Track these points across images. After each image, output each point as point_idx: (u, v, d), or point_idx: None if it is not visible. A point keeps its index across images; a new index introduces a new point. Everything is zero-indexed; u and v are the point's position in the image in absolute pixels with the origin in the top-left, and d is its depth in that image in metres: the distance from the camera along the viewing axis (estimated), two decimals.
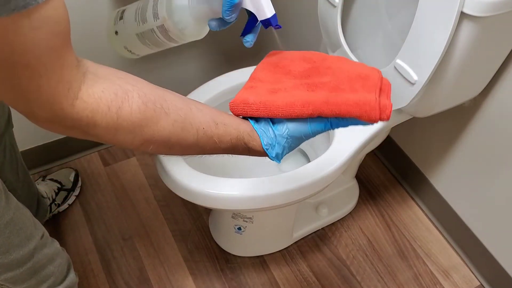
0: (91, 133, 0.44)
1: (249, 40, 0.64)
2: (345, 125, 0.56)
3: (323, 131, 0.56)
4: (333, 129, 0.56)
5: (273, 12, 0.61)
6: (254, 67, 1.17)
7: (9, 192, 0.65)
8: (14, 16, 0.34)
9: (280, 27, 0.62)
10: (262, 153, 0.58)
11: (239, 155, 0.63)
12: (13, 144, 1.03)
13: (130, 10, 0.69)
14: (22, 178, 1.07)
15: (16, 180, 1.04)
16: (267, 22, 0.61)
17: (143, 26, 0.67)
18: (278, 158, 0.57)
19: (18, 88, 0.40)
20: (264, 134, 0.56)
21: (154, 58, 1.36)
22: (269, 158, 0.58)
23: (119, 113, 0.44)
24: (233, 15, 0.62)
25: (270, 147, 0.56)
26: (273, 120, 0.57)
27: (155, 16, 0.65)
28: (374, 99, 0.54)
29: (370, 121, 0.54)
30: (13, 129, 1.03)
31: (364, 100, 0.54)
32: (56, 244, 0.80)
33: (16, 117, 1.03)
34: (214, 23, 0.66)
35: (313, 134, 0.56)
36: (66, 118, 0.42)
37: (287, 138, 0.56)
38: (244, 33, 0.65)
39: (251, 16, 0.64)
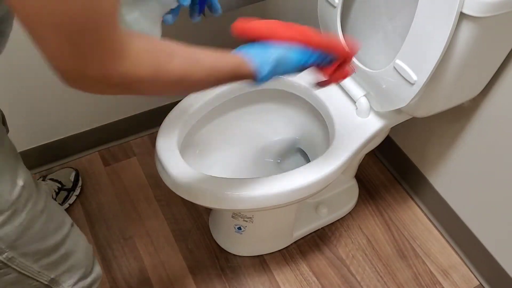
0: (134, 88, 0.50)
1: (218, 8, 0.72)
2: (322, 59, 0.67)
3: (304, 63, 0.66)
4: (310, 63, 0.66)
5: None
6: None
7: (37, 180, 0.65)
8: None
9: None
10: (252, 74, 0.64)
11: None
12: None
13: None
14: None
15: None
16: None
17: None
18: (266, 78, 0.64)
19: (80, 46, 0.43)
20: (258, 55, 0.63)
21: None
22: (258, 78, 0.64)
23: (161, 69, 0.50)
24: None
25: (260, 67, 0.63)
26: (265, 45, 0.65)
27: None
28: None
29: (342, 54, 0.67)
30: (13, 129, 1.03)
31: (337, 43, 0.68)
32: (81, 233, 0.81)
33: (16, 117, 1.04)
34: (169, 17, 0.69)
35: (297, 62, 0.65)
36: (113, 76, 0.46)
37: (277, 60, 0.63)
38: (201, 10, 0.72)
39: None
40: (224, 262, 1.29)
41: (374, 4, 1.04)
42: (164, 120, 1.04)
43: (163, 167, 0.97)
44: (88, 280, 0.80)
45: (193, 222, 1.37)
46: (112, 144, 1.53)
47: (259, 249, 1.30)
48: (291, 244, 1.32)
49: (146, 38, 0.50)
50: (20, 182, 0.61)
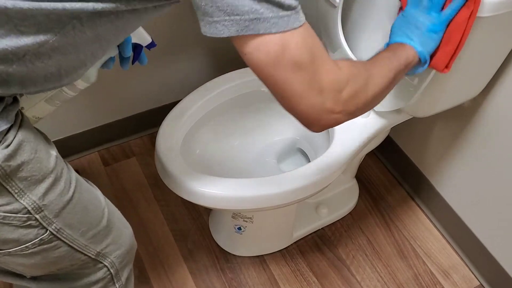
0: (354, 110, 0.63)
1: (145, 60, 0.83)
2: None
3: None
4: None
5: (150, 38, 0.81)
6: None
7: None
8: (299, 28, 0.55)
9: (156, 45, 0.82)
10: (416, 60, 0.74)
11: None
12: None
13: None
14: None
15: None
16: (149, 45, 0.81)
17: (52, 91, 0.74)
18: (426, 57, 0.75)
19: (317, 83, 0.57)
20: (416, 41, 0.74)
21: (154, 60, 1.36)
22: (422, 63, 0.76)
23: (369, 89, 0.64)
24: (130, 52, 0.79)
25: (421, 53, 0.74)
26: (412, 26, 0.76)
27: None
28: None
29: None
30: None
31: None
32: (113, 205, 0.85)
33: None
34: (111, 63, 0.78)
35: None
36: (341, 102, 0.60)
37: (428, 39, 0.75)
38: (134, 61, 0.83)
39: (137, 48, 0.81)
40: (224, 262, 1.29)
41: (375, 4, 1.04)
42: (164, 120, 1.04)
43: (163, 167, 0.97)
44: (131, 251, 0.84)
45: (193, 222, 1.36)
46: (112, 144, 1.53)
47: (259, 249, 1.30)
48: (291, 244, 1.32)
49: (350, 64, 0.63)
50: (54, 152, 0.65)
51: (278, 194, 0.95)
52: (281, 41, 0.54)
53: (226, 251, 1.30)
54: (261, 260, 1.30)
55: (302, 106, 0.59)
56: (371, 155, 1.53)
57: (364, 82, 0.63)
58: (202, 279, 1.26)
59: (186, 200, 0.97)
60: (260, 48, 0.54)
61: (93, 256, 0.74)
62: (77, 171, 1.45)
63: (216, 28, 0.54)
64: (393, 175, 1.49)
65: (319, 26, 1.14)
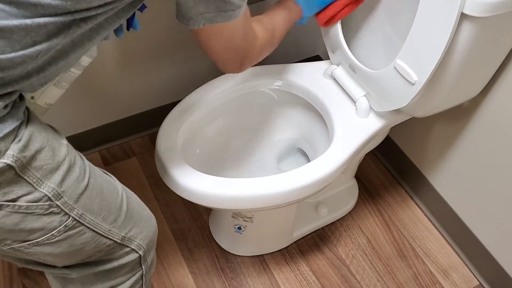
0: (263, 52, 0.89)
1: (137, 25, 0.86)
2: None
3: None
4: None
5: None
6: (255, 66, 1.17)
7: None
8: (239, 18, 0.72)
9: (146, 6, 0.81)
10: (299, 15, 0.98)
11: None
12: None
13: None
14: None
15: None
16: (141, 7, 0.80)
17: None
18: (308, 14, 1.00)
19: (242, 48, 0.81)
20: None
21: (154, 60, 1.36)
22: (303, 16, 0.99)
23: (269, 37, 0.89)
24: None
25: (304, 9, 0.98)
26: None
27: None
28: None
29: None
30: None
31: None
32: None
33: None
34: (120, 33, 0.84)
35: None
36: (256, 49, 0.85)
37: None
38: (129, 27, 0.85)
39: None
40: (224, 262, 1.29)
41: (375, 4, 1.04)
42: (164, 120, 1.04)
43: (163, 167, 0.97)
44: (154, 233, 0.85)
45: (193, 222, 1.37)
46: (112, 144, 1.53)
47: (259, 249, 1.30)
48: (291, 244, 1.33)
49: (259, 22, 0.87)
50: (64, 141, 0.68)
51: (278, 194, 0.95)
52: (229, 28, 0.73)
53: (226, 250, 1.30)
54: (261, 259, 1.30)
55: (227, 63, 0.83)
56: (371, 155, 1.53)
57: (271, 42, 0.90)
58: (202, 278, 1.26)
59: (186, 200, 0.97)
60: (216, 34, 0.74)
61: (118, 241, 0.76)
62: None
63: (195, 20, 0.70)
64: (392, 175, 1.50)
65: (319, 26, 1.14)
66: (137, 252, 0.81)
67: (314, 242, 1.34)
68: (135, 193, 0.78)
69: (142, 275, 0.85)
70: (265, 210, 1.10)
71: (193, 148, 1.10)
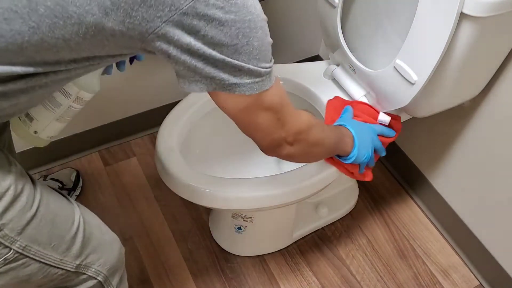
0: (303, 142, 0.76)
1: (141, 55, 0.83)
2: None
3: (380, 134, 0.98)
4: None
5: None
6: None
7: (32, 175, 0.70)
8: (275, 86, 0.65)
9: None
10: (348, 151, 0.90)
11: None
12: (10, 144, 1.04)
13: (35, 110, 0.76)
14: None
15: None
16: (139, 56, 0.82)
17: (60, 109, 0.76)
18: (351, 160, 0.91)
19: (283, 125, 0.69)
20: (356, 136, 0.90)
21: (154, 60, 1.36)
22: (347, 158, 0.91)
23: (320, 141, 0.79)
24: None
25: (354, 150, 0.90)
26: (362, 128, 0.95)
27: (67, 95, 0.75)
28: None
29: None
30: None
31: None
32: (92, 213, 0.83)
33: None
34: (110, 69, 0.81)
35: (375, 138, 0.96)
36: (300, 133, 0.73)
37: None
38: (132, 61, 0.84)
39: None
40: (224, 262, 1.29)
41: (374, 4, 1.04)
42: (164, 120, 1.04)
43: (163, 167, 0.97)
44: (118, 257, 0.83)
45: (193, 222, 1.37)
46: (112, 144, 1.53)
47: (259, 249, 1.30)
48: (291, 244, 1.33)
49: (309, 115, 0.76)
50: (13, 169, 0.64)
51: (278, 194, 0.95)
52: (255, 100, 0.63)
53: (226, 251, 1.30)
54: (261, 259, 1.30)
55: (267, 139, 0.72)
56: None
57: (320, 134, 0.78)
58: (202, 279, 1.26)
59: (186, 200, 0.97)
60: (236, 103, 0.64)
61: (72, 270, 0.73)
62: (78, 171, 1.46)
63: (196, 85, 0.61)
64: (392, 175, 1.49)
65: (319, 26, 1.14)
66: (95, 279, 0.78)
67: (314, 242, 1.34)
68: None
69: None
70: (265, 210, 1.10)
71: (193, 148, 1.10)
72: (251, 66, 0.59)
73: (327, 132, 0.81)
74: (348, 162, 0.90)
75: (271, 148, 0.73)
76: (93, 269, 0.77)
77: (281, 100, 0.67)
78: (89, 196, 1.41)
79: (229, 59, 0.57)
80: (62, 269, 0.71)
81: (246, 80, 0.60)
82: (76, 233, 0.72)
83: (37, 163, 1.44)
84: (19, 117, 0.76)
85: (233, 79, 0.59)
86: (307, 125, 0.74)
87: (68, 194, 1.37)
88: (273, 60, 0.63)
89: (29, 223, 0.64)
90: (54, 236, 0.69)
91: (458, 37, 0.82)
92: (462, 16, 0.79)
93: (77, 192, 1.39)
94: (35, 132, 0.77)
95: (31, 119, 0.76)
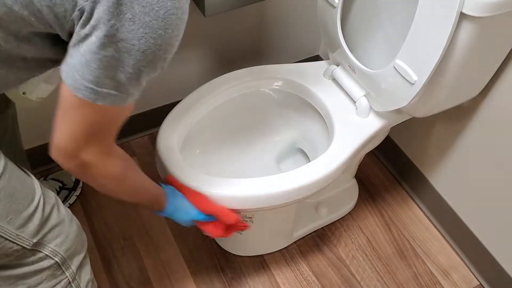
0: (100, 179, 0.75)
1: None
2: (208, 219, 0.96)
3: (194, 218, 0.95)
4: (200, 219, 0.95)
5: None
6: (255, 66, 1.18)
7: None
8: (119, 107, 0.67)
9: None
10: (161, 207, 0.90)
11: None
12: (15, 129, 1.03)
13: None
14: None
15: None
16: None
17: (48, 71, 0.76)
18: (165, 213, 0.92)
19: (96, 136, 0.67)
20: (171, 199, 0.91)
21: None
22: (161, 211, 0.91)
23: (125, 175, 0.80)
24: None
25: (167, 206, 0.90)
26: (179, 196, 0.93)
27: None
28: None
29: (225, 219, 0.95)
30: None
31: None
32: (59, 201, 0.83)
33: (20, 118, 1.04)
34: None
35: (191, 216, 0.95)
36: (96, 163, 0.70)
37: (178, 208, 0.93)
38: None
39: None
40: (224, 262, 1.29)
41: (374, 4, 1.04)
42: (164, 120, 1.04)
43: (163, 167, 0.97)
44: (76, 239, 0.81)
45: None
46: None
47: (259, 249, 1.30)
48: (291, 244, 1.33)
49: (122, 152, 0.76)
50: None
51: (278, 194, 0.95)
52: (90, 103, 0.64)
53: (226, 251, 1.30)
54: (261, 259, 1.30)
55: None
56: (371, 155, 1.53)
57: (125, 170, 0.78)
58: (202, 279, 1.26)
59: None
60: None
61: (29, 247, 0.73)
62: None
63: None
64: (392, 175, 1.50)
65: (319, 26, 1.14)
66: (52, 259, 0.77)
67: (314, 242, 1.34)
68: None
69: (69, 282, 0.81)
70: (265, 210, 1.10)
71: (193, 148, 1.10)
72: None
73: (136, 178, 0.84)
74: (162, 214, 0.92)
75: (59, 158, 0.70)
76: (49, 248, 0.76)
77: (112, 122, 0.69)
78: (90, 196, 1.41)
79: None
80: (18, 244, 0.72)
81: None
82: (34, 211, 0.73)
83: (37, 163, 1.44)
84: None
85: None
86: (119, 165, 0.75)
87: (69, 194, 1.37)
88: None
89: None
90: (12, 210, 0.69)
91: (458, 37, 0.82)
92: (462, 16, 0.79)
93: (78, 192, 1.39)
94: (24, 93, 0.79)
95: None
